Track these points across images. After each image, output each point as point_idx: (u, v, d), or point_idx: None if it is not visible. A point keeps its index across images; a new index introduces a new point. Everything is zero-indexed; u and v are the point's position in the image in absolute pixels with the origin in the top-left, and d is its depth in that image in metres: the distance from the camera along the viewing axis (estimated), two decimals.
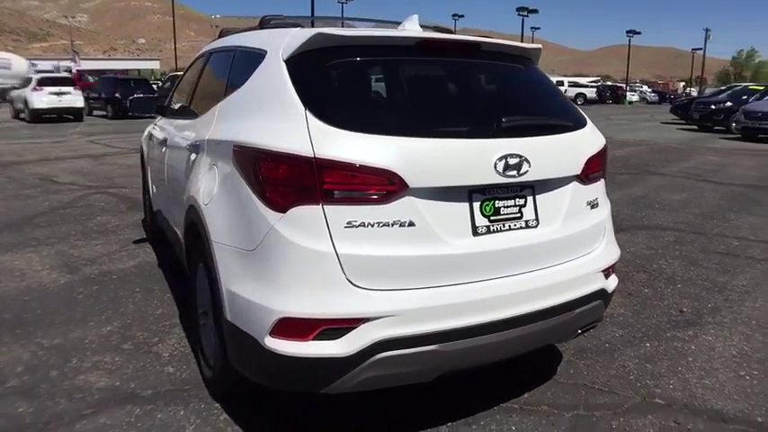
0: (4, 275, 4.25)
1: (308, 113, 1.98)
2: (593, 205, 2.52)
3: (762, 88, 20.28)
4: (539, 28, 64.74)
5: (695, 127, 20.59)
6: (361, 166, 1.91)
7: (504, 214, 2.18)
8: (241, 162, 2.14)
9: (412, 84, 2.45)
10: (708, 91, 43.05)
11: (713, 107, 19.97)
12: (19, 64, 36.90)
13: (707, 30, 67.33)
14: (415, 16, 2.55)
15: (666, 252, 5.17)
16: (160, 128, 4.28)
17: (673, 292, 4.18)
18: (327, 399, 2.50)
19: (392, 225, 1.96)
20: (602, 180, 2.64)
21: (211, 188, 2.39)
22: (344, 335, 1.93)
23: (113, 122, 20.09)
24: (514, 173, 2.13)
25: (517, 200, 2.22)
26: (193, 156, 2.83)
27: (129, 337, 3.27)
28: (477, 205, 2.12)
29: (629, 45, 61.25)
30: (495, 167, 2.09)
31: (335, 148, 1.92)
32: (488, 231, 2.14)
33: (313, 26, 2.62)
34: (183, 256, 3.21)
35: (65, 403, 2.59)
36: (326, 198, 1.92)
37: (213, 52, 3.48)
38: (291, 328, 1.94)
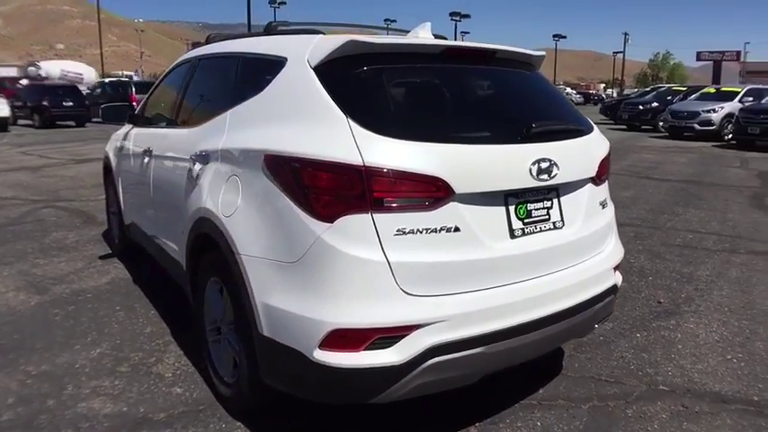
0: None
1: (350, 121, 1.97)
2: (604, 205, 2.63)
3: (685, 89, 21.74)
4: (468, 32, 66.41)
5: (624, 126, 21.74)
6: (410, 173, 1.92)
7: (534, 216, 2.24)
8: (276, 171, 2.09)
9: (442, 91, 2.47)
10: (627, 92, 45.60)
11: (641, 107, 21.22)
12: (89, 75, 37.54)
13: (626, 34, 71.34)
14: (428, 24, 2.58)
15: (630, 246, 5.43)
16: (135, 137, 4.08)
17: (646, 284, 4.40)
18: (357, 406, 2.48)
19: (439, 231, 1.97)
20: (607, 181, 2.76)
21: (233, 199, 2.31)
22: (397, 343, 1.92)
23: (42, 132, 18.91)
24: (546, 176, 2.20)
25: (545, 202, 2.29)
26: (198, 166, 2.72)
27: (123, 359, 3.11)
28: (512, 209, 2.18)
29: (556, 49, 63.95)
30: (531, 172, 2.16)
31: (383, 155, 1.91)
32: (523, 234, 2.19)
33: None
34: (181, 271, 3.08)
35: None
36: (376, 206, 1.91)
37: (202, 59, 3.36)
38: (343, 339, 1.91)
